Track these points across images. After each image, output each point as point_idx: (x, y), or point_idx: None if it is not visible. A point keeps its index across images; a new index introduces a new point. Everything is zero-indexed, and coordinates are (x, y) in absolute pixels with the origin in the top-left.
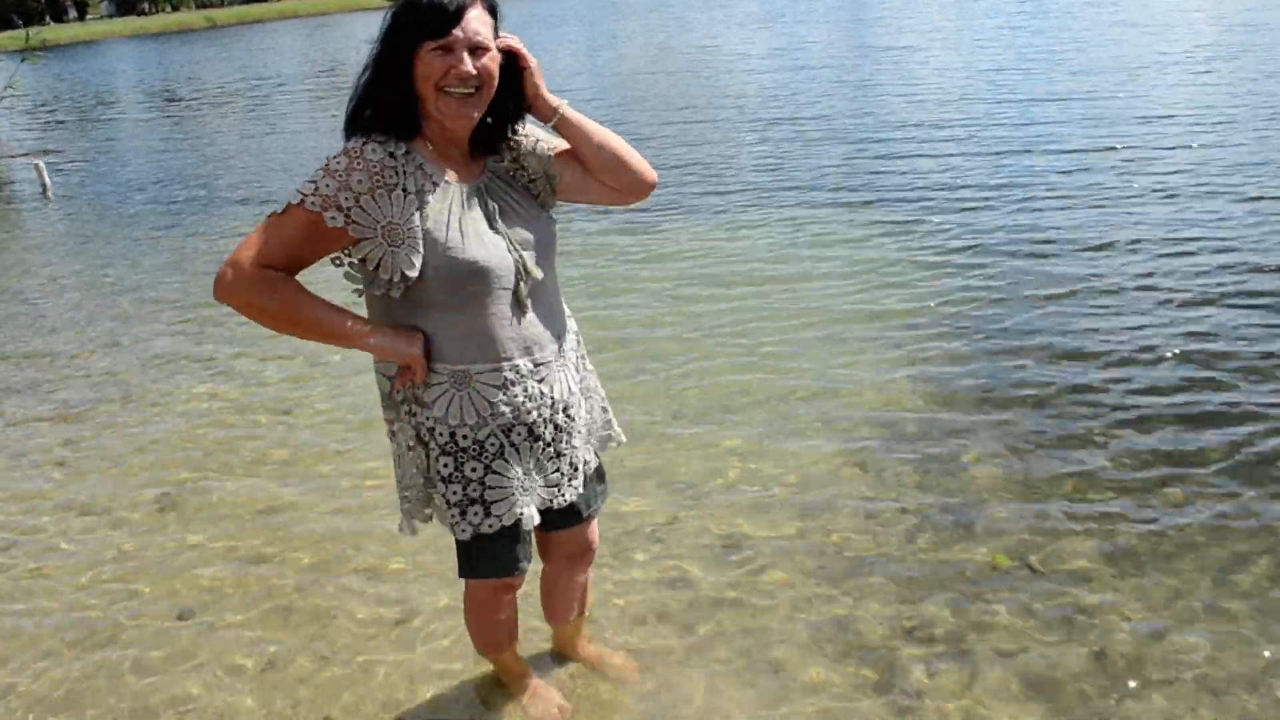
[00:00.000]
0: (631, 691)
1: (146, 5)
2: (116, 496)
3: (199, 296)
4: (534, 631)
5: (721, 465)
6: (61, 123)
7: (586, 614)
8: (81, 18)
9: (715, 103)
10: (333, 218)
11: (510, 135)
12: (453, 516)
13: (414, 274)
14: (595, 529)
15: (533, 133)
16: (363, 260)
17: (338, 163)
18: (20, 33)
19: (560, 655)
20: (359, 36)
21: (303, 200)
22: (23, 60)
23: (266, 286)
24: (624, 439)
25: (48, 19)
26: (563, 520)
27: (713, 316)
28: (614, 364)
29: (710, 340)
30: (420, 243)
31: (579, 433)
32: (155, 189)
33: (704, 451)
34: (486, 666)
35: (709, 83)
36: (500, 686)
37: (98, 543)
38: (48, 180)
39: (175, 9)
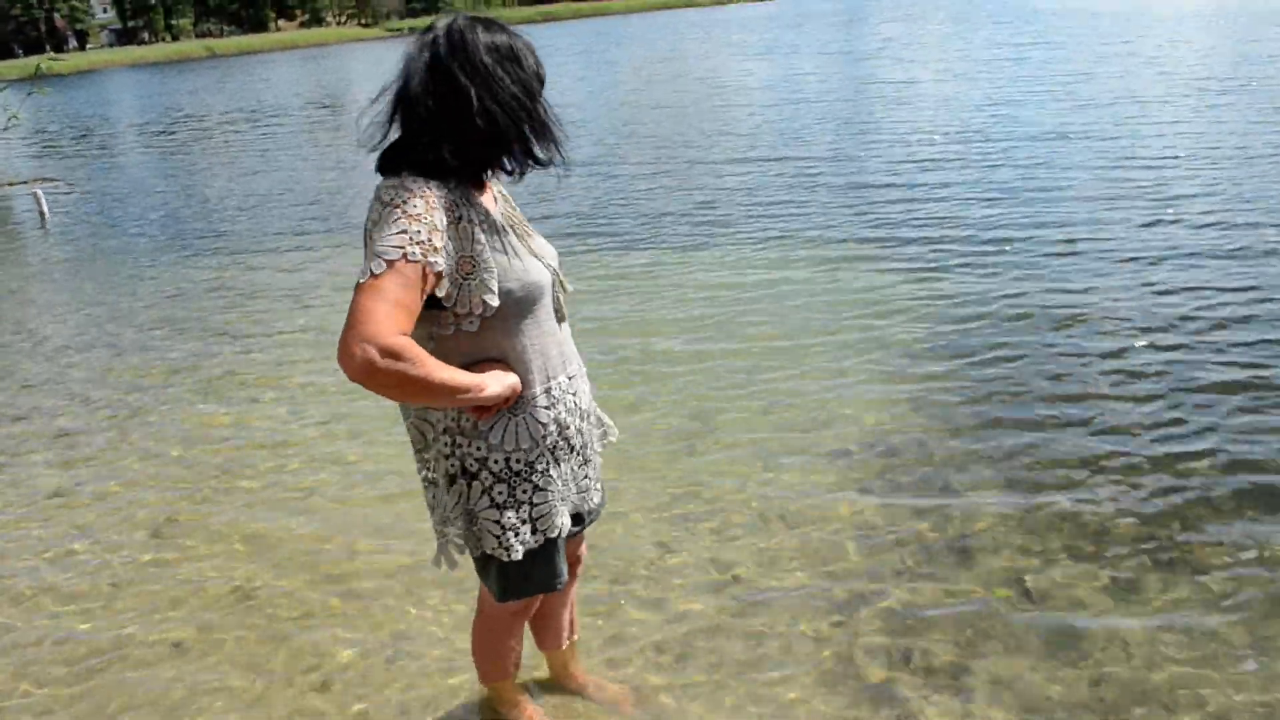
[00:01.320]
0: None
1: (146, 35)
2: (111, 524)
3: (195, 325)
4: (529, 661)
5: (718, 493)
6: (60, 151)
7: (577, 637)
8: (82, 47)
9: (715, 136)
10: (433, 262)
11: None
12: (505, 541)
13: (495, 302)
14: (583, 542)
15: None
16: (432, 303)
17: (415, 205)
18: (20, 62)
19: (556, 685)
20: (356, 69)
21: (404, 254)
22: (29, 94)
23: (407, 359)
24: (617, 433)
25: (48, 48)
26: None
27: (711, 345)
28: (612, 391)
29: (709, 368)
30: (494, 271)
31: (597, 438)
32: (153, 218)
33: (700, 479)
34: (480, 696)
35: (708, 116)
36: (497, 716)
37: (91, 571)
38: (46, 209)
39: (175, 39)
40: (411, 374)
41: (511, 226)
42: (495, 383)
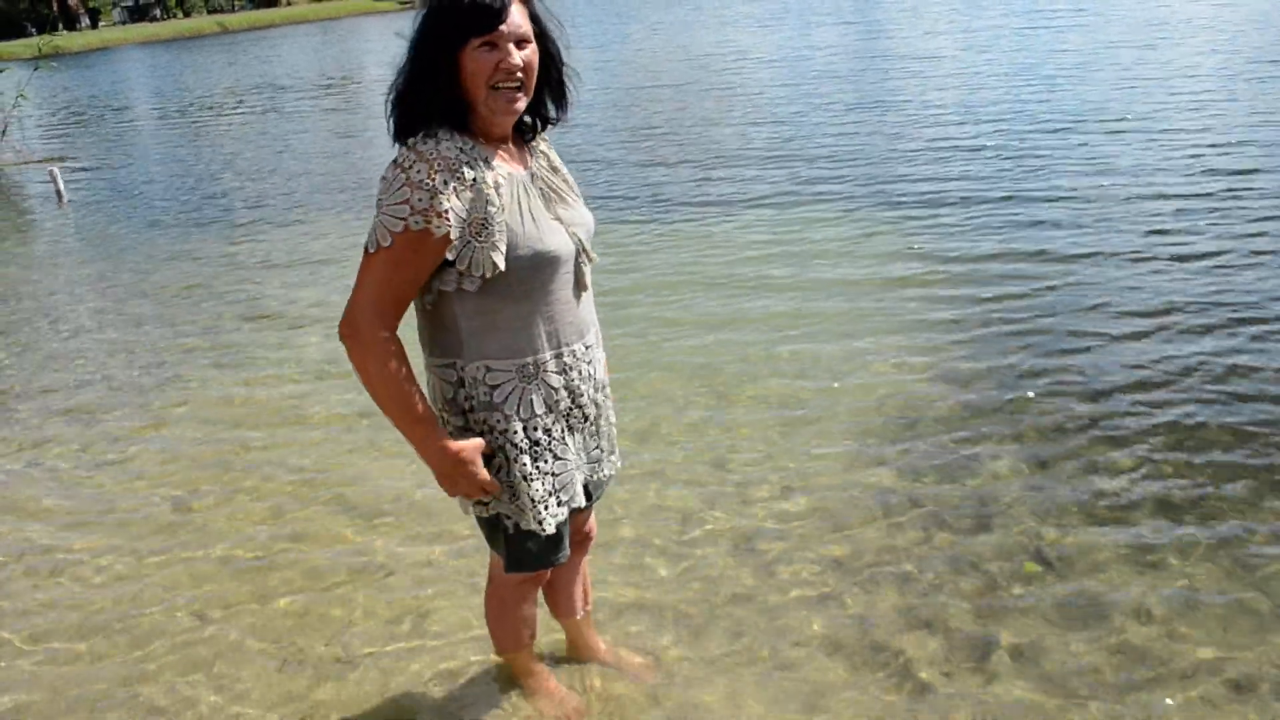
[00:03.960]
0: (647, 691)
1: (159, 12)
2: (131, 500)
3: (212, 302)
4: (548, 632)
5: (737, 463)
6: (75, 129)
7: (591, 607)
8: (94, 25)
9: (729, 106)
10: (439, 226)
11: (542, 126)
12: (537, 514)
13: (503, 266)
14: (593, 513)
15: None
16: (449, 261)
17: (417, 171)
18: (34, 40)
19: (575, 655)
20: (369, 42)
21: (405, 225)
22: (36, 69)
23: (386, 358)
24: (614, 417)
25: (60, 26)
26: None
27: (727, 315)
28: (627, 362)
29: (725, 338)
30: (504, 234)
31: (610, 409)
32: (169, 195)
33: (719, 450)
34: (500, 667)
35: (722, 84)
36: (515, 686)
37: (111, 545)
38: (62, 187)
39: (187, 15)
40: (375, 371)
41: (544, 190)
42: (441, 458)
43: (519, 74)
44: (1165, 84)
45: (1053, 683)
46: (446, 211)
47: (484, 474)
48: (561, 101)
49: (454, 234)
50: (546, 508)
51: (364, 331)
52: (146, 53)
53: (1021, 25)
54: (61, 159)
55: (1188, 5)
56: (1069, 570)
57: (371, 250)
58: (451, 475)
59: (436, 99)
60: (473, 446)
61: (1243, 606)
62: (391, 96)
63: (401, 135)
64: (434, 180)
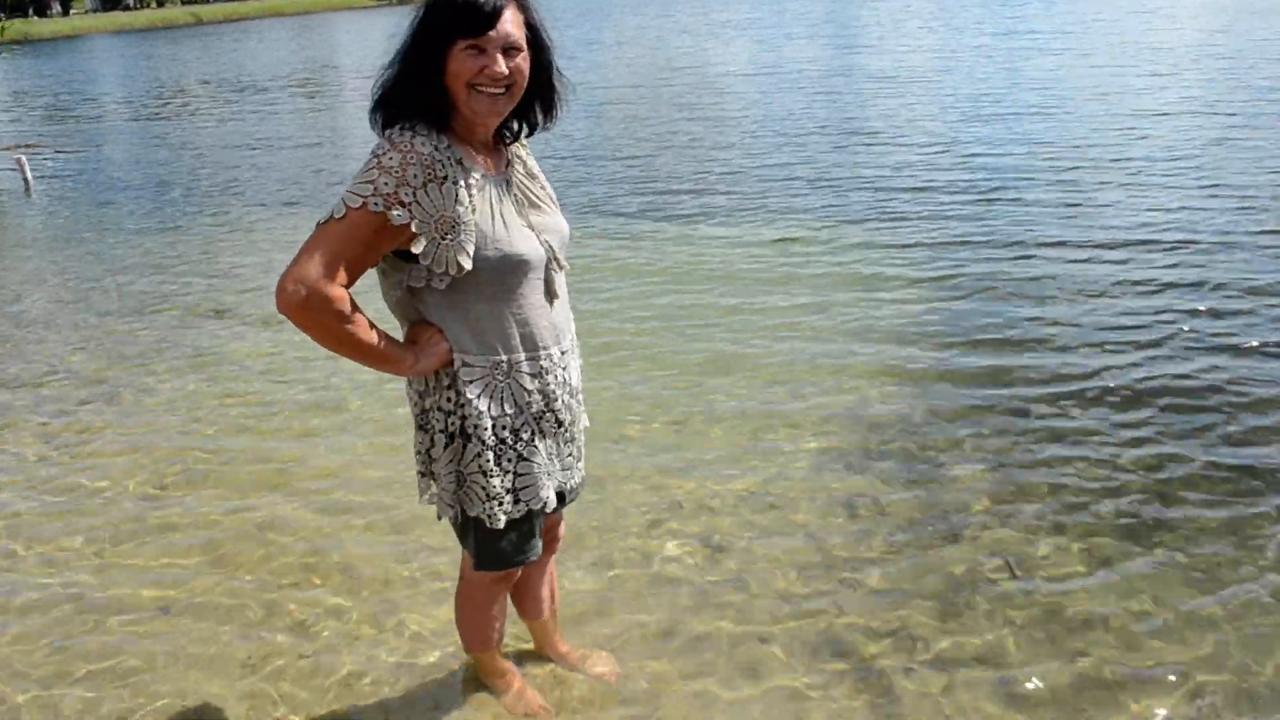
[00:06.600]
0: (612, 692)
1: (131, 1)
2: (98, 492)
3: (180, 295)
4: (514, 633)
5: (705, 468)
6: (44, 118)
7: (557, 608)
8: (65, 12)
9: (707, 116)
10: (398, 215)
11: (527, 133)
12: (490, 508)
13: (470, 266)
14: (562, 517)
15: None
16: (409, 255)
17: (390, 158)
18: None
19: (541, 656)
20: (343, 37)
21: (364, 203)
22: None
23: (340, 311)
24: (588, 422)
25: (30, 12)
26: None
27: (700, 321)
28: (601, 367)
29: (697, 344)
30: (473, 235)
31: (583, 416)
32: (138, 185)
33: (689, 454)
34: (468, 667)
35: (700, 96)
36: (483, 686)
37: (78, 538)
38: (29, 176)
39: (160, 5)
40: (334, 326)
41: (519, 196)
42: (424, 359)
43: (504, 81)
44: (1174, 120)
45: (1016, 692)
46: (410, 204)
47: (443, 345)
48: (550, 110)
49: (415, 227)
50: (500, 504)
51: (319, 288)
52: (118, 42)
53: (1011, 48)
54: (29, 147)
55: (1188, 27)
56: (1031, 576)
57: (324, 221)
58: (442, 358)
59: (421, 95)
60: (425, 336)
61: (1204, 618)
62: (378, 87)
63: (383, 126)
64: (405, 171)
